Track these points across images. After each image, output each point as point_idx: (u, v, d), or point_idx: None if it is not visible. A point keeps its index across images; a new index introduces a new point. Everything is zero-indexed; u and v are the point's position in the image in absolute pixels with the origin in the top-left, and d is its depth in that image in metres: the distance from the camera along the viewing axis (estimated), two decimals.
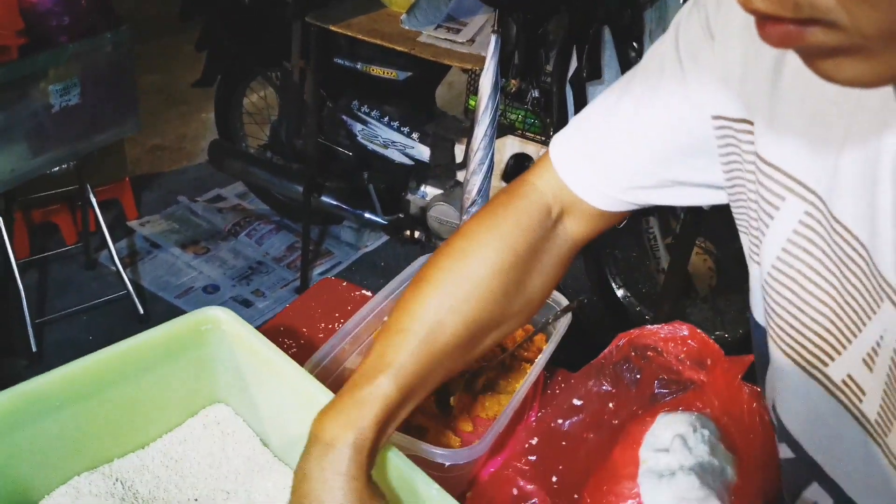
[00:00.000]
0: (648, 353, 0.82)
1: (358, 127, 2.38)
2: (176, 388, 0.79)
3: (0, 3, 1.99)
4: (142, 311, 2.34)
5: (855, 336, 0.51)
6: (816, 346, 0.54)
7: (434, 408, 0.90)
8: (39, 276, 2.49)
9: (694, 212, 1.86)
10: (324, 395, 0.69)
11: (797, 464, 0.61)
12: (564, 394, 0.85)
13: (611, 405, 0.82)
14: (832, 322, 0.52)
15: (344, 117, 2.40)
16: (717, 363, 0.78)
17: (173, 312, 2.40)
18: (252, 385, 0.80)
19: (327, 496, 0.57)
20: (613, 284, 2.32)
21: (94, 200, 2.31)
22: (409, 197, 2.34)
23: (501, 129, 2.04)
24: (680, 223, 1.97)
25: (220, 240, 2.78)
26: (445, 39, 2.04)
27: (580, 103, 1.82)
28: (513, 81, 1.95)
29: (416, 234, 2.37)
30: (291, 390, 0.74)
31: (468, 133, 1.93)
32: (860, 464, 0.54)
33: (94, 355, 0.72)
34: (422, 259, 0.98)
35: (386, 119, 2.34)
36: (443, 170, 2.28)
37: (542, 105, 1.99)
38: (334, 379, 0.86)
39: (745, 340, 1.73)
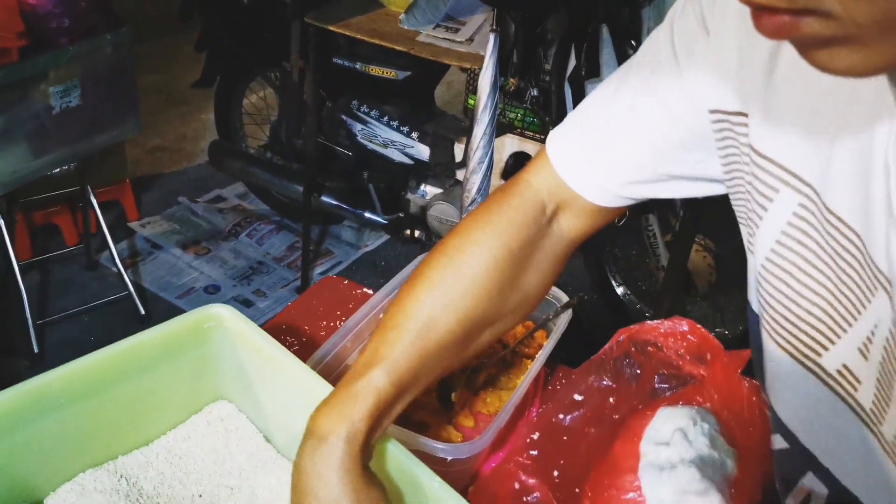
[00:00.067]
0: (648, 348, 0.83)
1: (357, 127, 2.39)
2: (179, 386, 0.80)
3: (0, 6, 1.99)
4: (143, 312, 2.34)
5: (850, 326, 0.51)
6: (811, 337, 0.54)
7: (436, 404, 0.91)
8: (41, 278, 2.49)
9: (693, 209, 1.87)
10: (326, 391, 0.69)
11: (792, 454, 0.61)
12: (565, 389, 0.85)
13: (611, 400, 0.82)
14: (826, 313, 0.52)
15: (343, 117, 2.40)
16: (716, 358, 0.79)
17: (174, 313, 2.37)
18: (255, 382, 0.80)
19: (322, 490, 0.57)
20: (613, 282, 2.33)
21: (94, 201, 2.32)
22: (409, 196, 2.34)
23: (500, 127, 2.04)
24: (679, 221, 1.98)
25: (221, 240, 2.78)
26: (444, 39, 2.04)
27: (579, 102, 1.81)
28: (512, 80, 1.95)
29: (416, 233, 2.37)
30: (294, 386, 0.75)
31: (467, 132, 1.93)
32: (855, 453, 0.54)
33: (96, 354, 0.72)
34: (421, 258, 0.99)
35: (385, 118, 2.34)
36: (442, 169, 2.28)
37: (541, 103, 1.99)
38: (336, 376, 0.87)
39: (744, 337, 1.73)
